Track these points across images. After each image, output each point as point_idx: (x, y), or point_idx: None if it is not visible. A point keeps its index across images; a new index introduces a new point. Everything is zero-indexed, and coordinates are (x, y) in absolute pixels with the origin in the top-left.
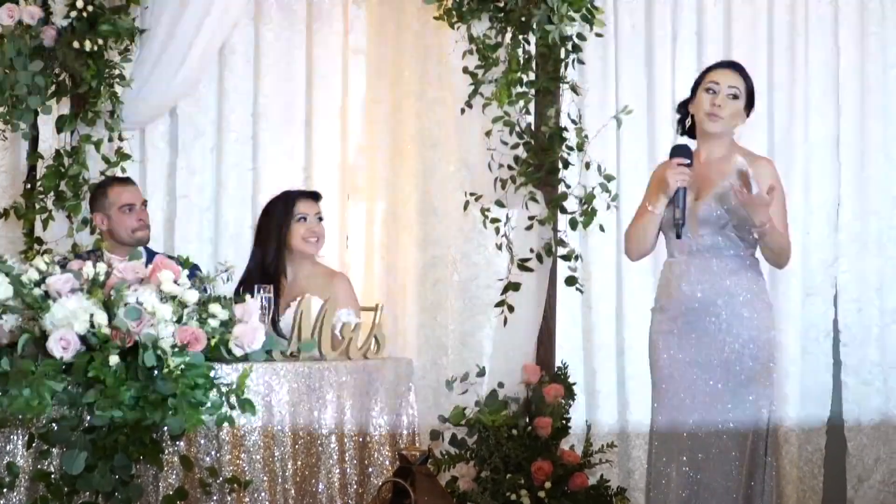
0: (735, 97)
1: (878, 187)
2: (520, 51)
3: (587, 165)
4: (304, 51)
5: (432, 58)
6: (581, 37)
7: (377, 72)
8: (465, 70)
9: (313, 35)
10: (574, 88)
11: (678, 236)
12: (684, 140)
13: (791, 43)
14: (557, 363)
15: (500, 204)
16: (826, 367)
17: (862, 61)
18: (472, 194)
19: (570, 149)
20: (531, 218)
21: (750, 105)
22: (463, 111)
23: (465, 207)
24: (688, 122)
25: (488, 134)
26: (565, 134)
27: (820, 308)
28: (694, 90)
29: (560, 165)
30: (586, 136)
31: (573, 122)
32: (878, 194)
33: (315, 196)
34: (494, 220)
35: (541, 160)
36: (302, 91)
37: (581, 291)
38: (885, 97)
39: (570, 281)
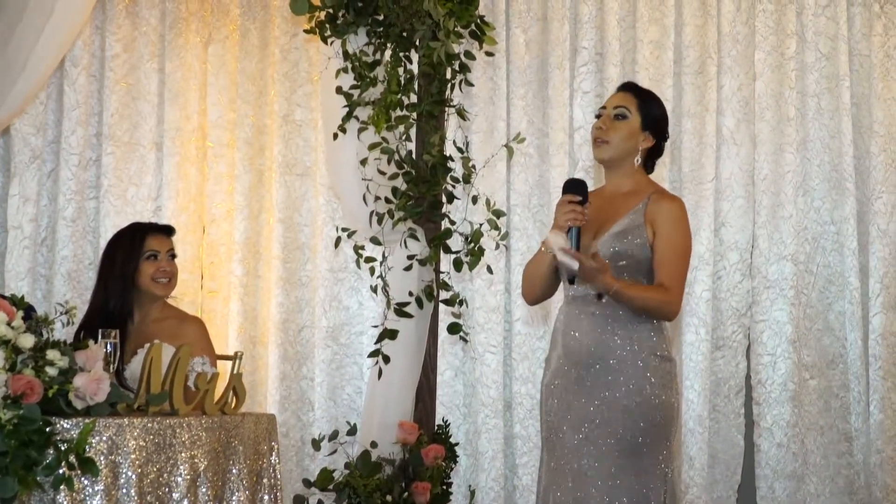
0: (622, 117)
1: (795, 228)
2: (401, 70)
3: (474, 199)
4: (157, 64)
5: (301, 75)
6: (469, 55)
7: (239, 89)
8: (339, 90)
9: (166, 47)
10: (461, 113)
11: (571, 281)
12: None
13: (702, 66)
14: (438, 421)
15: (375, 241)
16: (737, 428)
17: (780, 88)
18: (344, 230)
19: (456, 180)
20: (410, 257)
21: (652, 126)
22: (335, 136)
23: (337, 244)
24: None
25: (364, 162)
26: (450, 164)
27: (731, 362)
28: None
29: (444, 199)
30: (474, 167)
31: (459, 150)
32: (796, 236)
33: (167, 230)
34: (369, 260)
35: (422, 193)
36: (153, 110)
37: (465, 340)
38: (804, 128)
39: (454, 328)
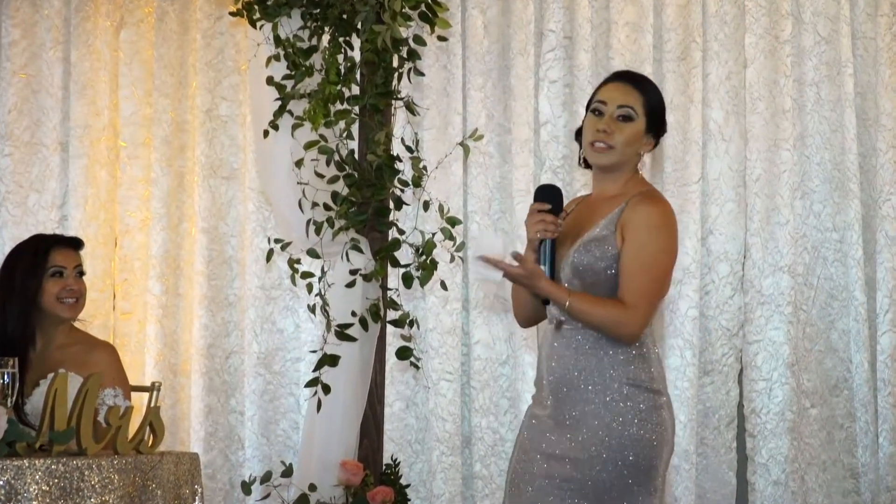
0: (628, 118)
1: (792, 236)
2: (340, 57)
3: (426, 205)
4: (61, 52)
5: (227, 65)
6: (419, 40)
7: (155, 81)
8: (270, 81)
9: (72, 32)
10: (410, 107)
11: (544, 302)
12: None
13: (686, 52)
14: (386, 459)
15: (313, 254)
16: (728, 464)
17: (774, 76)
18: (277, 241)
19: (405, 184)
20: (353, 272)
21: (657, 127)
22: (266, 134)
23: (269, 258)
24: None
25: (299, 164)
26: (398, 165)
27: (721, 388)
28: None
29: (391, 205)
30: (425, 168)
31: (408, 149)
32: (793, 245)
33: (74, 243)
34: (306, 275)
35: (366, 198)
36: (57, 104)
37: (417, 367)
38: (801, 122)
39: (404, 353)
